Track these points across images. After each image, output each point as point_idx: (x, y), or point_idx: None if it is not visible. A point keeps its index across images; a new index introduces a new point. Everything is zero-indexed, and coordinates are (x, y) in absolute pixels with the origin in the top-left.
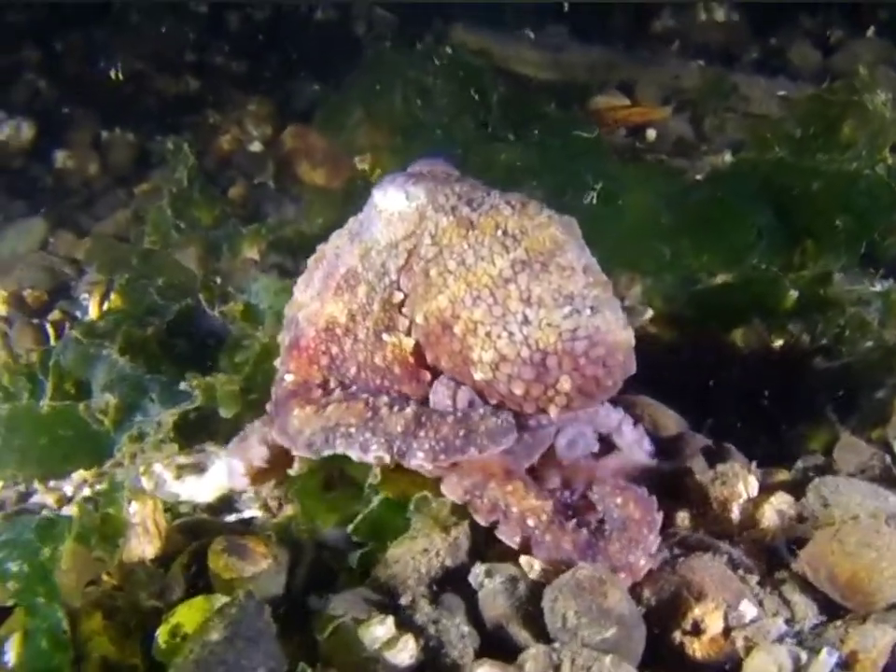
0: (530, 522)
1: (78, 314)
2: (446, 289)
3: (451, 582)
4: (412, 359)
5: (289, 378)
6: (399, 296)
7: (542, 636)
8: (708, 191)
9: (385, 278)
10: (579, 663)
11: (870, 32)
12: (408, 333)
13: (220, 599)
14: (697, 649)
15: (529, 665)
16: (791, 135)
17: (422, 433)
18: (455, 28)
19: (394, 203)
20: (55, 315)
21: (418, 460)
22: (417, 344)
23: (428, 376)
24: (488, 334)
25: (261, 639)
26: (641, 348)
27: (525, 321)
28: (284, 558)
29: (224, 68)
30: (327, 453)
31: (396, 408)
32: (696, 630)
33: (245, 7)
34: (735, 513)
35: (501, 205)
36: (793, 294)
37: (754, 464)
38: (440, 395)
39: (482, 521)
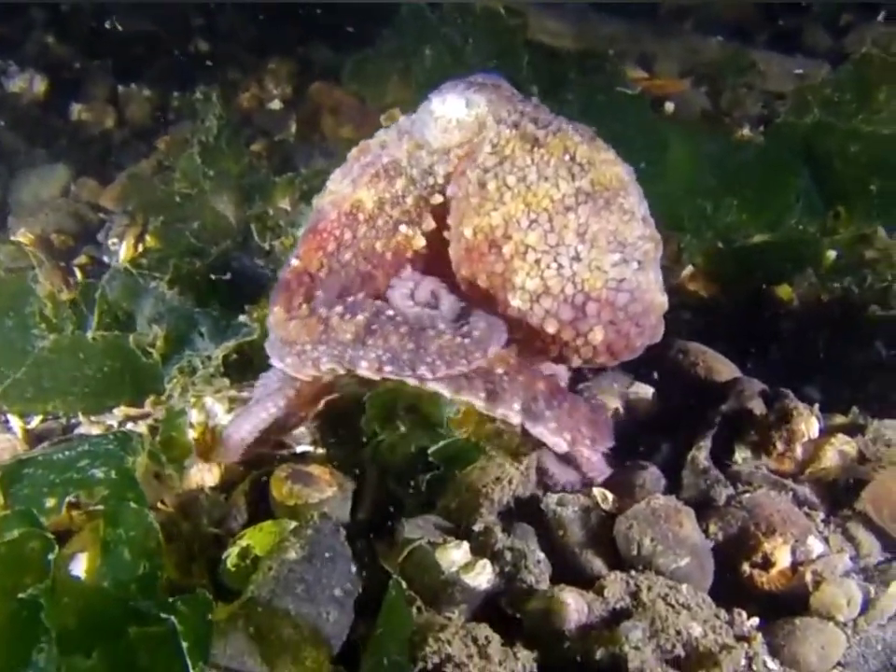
0: (498, 369)
1: (105, 258)
2: (502, 206)
3: (520, 511)
4: (409, 255)
5: (294, 263)
6: (438, 198)
7: (614, 564)
8: (751, 152)
9: (429, 178)
10: (655, 590)
11: (880, 16)
12: (426, 236)
13: (290, 523)
14: (766, 581)
15: (608, 591)
16: (829, 99)
17: (370, 341)
18: None
19: (453, 110)
20: (82, 259)
21: (362, 370)
22: (426, 247)
23: (409, 273)
24: (538, 261)
25: (338, 559)
26: (683, 301)
27: (577, 257)
28: (348, 486)
29: (233, 33)
30: (292, 371)
31: (348, 315)
32: (765, 564)
33: None
34: (798, 453)
35: (570, 131)
36: (832, 254)
37: (816, 406)
38: (397, 294)
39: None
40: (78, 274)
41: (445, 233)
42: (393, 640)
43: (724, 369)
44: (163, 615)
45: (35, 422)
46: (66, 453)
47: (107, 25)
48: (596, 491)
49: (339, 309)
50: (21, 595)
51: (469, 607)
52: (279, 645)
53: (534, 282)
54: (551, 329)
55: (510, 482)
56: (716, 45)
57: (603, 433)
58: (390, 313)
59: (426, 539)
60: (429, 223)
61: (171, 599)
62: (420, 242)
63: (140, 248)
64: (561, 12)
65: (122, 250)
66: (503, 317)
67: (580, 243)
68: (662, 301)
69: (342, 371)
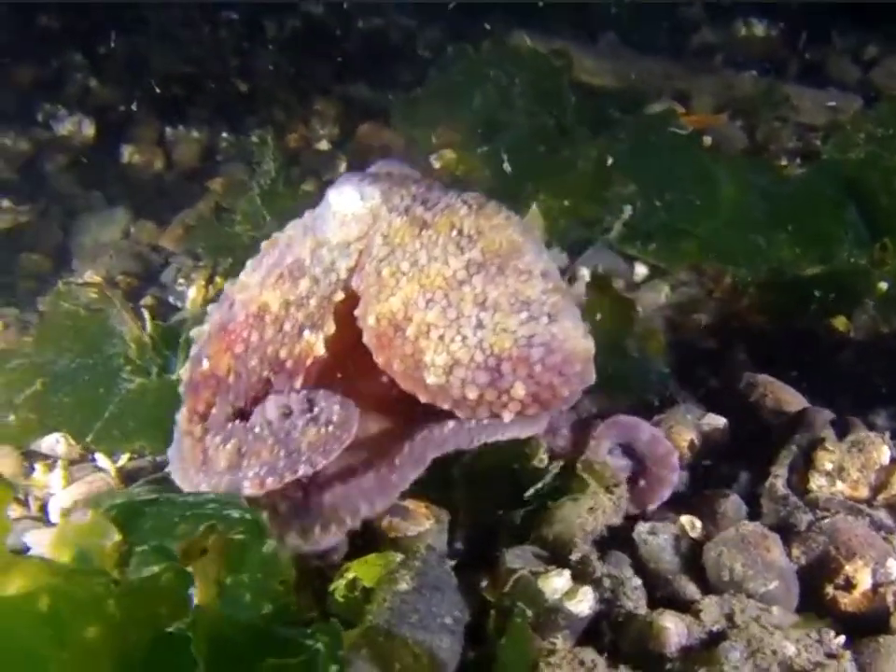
0: None
1: (171, 299)
2: (399, 290)
3: (610, 540)
4: (307, 363)
5: (205, 364)
6: (340, 295)
7: (704, 589)
8: (798, 186)
9: (331, 275)
10: (748, 612)
11: None
12: (326, 341)
13: (396, 555)
14: (848, 603)
15: (704, 614)
16: (872, 134)
17: (245, 462)
18: (516, 33)
19: (348, 204)
20: (147, 300)
21: (247, 490)
22: (326, 355)
23: (299, 385)
24: (441, 337)
25: (446, 589)
26: (741, 333)
27: (480, 325)
28: (444, 517)
29: (270, 73)
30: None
31: (222, 445)
32: (847, 585)
33: (278, 15)
34: (872, 479)
35: (457, 205)
36: (883, 285)
37: (887, 434)
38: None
39: None
40: (146, 315)
41: (344, 331)
42: (517, 667)
43: (792, 399)
44: (307, 643)
45: (123, 460)
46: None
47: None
48: (684, 519)
49: (217, 439)
50: (169, 629)
51: (571, 632)
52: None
53: (442, 357)
54: (472, 395)
55: (603, 511)
56: (749, 79)
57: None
58: (256, 430)
59: (527, 568)
60: (330, 326)
61: (308, 629)
62: (320, 349)
63: (210, 290)
64: (596, 50)
65: (192, 292)
66: (427, 395)
67: (481, 311)
68: (584, 346)
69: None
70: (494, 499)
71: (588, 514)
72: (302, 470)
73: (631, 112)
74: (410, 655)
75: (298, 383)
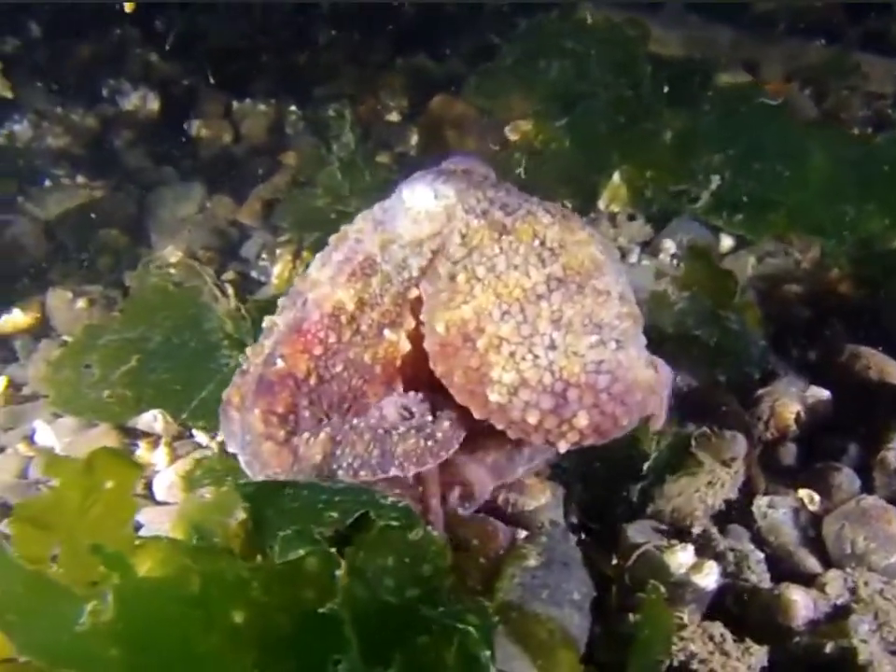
0: None
1: (254, 274)
2: (472, 299)
3: (729, 514)
4: (398, 363)
5: (280, 364)
6: (414, 292)
7: (825, 562)
8: (889, 156)
9: (403, 272)
10: (872, 586)
11: None
12: (410, 336)
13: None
14: None
15: (829, 588)
16: None
17: (338, 451)
18: (583, 4)
19: (422, 201)
20: (230, 275)
21: (341, 477)
22: (413, 350)
23: (401, 388)
24: (512, 354)
25: (572, 564)
26: (832, 305)
27: (552, 345)
28: (559, 492)
29: (330, 45)
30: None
31: (312, 438)
32: None
33: None
34: None
35: (540, 213)
36: None
37: None
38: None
39: None
40: (230, 290)
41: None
42: (658, 641)
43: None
44: (457, 625)
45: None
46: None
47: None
48: (803, 493)
49: (305, 436)
50: (321, 610)
51: (698, 606)
52: (537, 648)
53: (510, 375)
54: (533, 419)
55: (721, 485)
56: (816, 49)
57: None
58: (354, 422)
59: (650, 542)
60: (410, 322)
61: (458, 608)
62: (405, 346)
63: (298, 265)
64: (662, 18)
65: (277, 267)
66: (484, 412)
67: (554, 330)
68: (647, 376)
69: None
70: (606, 474)
71: (707, 489)
72: (393, 472)
73: (704, 82)
74: (545, 631)
75: (399, 388)
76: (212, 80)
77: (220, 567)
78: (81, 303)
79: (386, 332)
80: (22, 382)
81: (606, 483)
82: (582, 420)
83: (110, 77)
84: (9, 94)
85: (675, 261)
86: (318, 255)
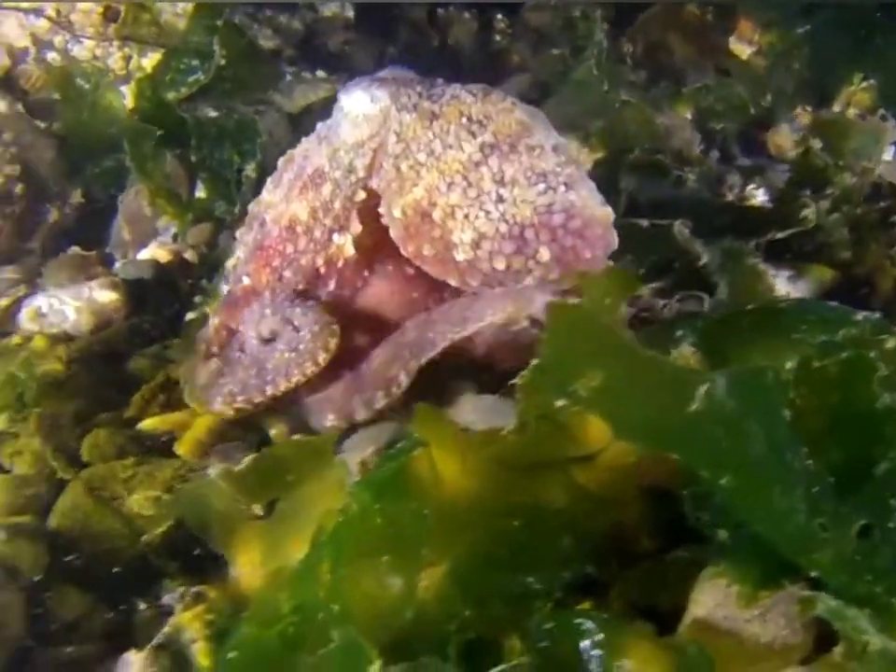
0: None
1: None
2: (420, 181)
3: None
4: (340, 264)
5: (245, 281)
6: (361, 195)
7: None
8: None
9: (350, 176)
10: None
11: None
12: (355, 241)
13: None
14: None
15: None
16: None
17: (221, 380)
18: None
19: (359, 105)
20: None
21: (218, 405)
22: (356, 255)
23: (331, 288)
24: (466, 216)
25: None
26: None
27: (500, 199)
28: None
29: None
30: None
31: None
32: None
33: None
34: None
35: (462, 94)
36: None
37: None
38: (247, 321)
39: None
40: None
41: (371, 228)
42: None
43: None
44: None
45: None
46: None
47: None
48: None
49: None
50: None
51: None
52: None
53: (469, 233)
54: (500, 265)
55: None
56: None
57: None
58: (237, 354)
59: None
60: (356, 226)
61: None
62: (350, 250)
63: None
64: None
65: None
66: (457, 276)
67: (500, 187)
68: (603, 212)
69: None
70: None
71: None
72: (269, 390)
73: None
74: None
75: (331, 286)
76: None
77: None
78: None
79: (335, 237)
80: None
81: None
82: (545, 254)
83: None
84: None
85: None
86: (269, 179)
